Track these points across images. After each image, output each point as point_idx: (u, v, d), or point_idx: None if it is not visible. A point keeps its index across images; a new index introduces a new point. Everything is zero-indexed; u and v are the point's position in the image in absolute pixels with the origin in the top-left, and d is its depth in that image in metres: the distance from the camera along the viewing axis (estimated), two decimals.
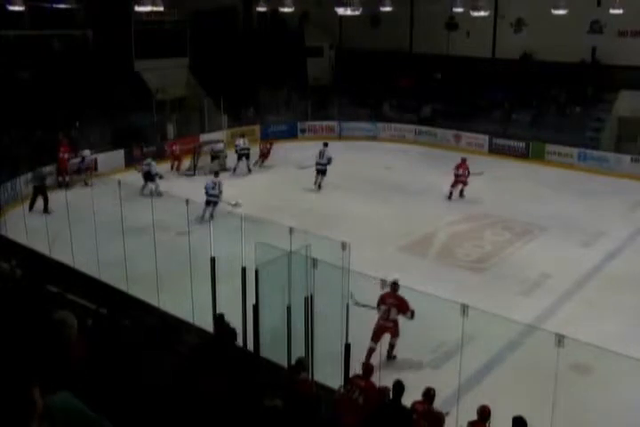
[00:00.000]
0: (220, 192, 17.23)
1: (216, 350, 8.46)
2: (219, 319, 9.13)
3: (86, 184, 18.99)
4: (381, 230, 16.38)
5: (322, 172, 20.33)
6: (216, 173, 18.20)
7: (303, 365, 7.76)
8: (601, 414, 9.18)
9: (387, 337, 10.45)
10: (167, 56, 25.82)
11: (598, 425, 8.98)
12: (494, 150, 25.19)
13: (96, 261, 11.99)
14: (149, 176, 19.22)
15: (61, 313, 4.88)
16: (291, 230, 9.11)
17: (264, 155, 23.34)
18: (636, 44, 24.47)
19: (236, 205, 16.03)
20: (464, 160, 19.54)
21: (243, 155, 22.05)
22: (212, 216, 16.47)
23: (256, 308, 9.18)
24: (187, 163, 22.45)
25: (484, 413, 7.08)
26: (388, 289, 10.20)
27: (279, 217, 14.31)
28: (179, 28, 26.43)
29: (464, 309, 7.54)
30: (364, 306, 10.09)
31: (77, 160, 20.06)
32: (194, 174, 21.83)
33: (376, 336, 10.26)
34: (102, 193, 18.01)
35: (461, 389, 8.22)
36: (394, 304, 10.28)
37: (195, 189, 19.39)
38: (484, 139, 25.55)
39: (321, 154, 20.49)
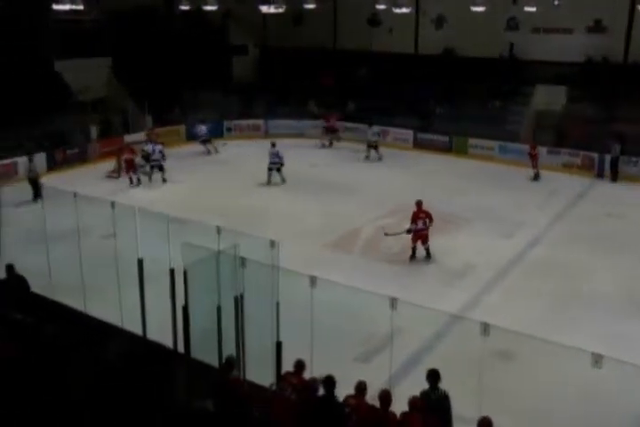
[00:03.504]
0: (281, 158, 20.69)
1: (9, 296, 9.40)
2: (9, 269, 10.29)
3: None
4: (309, 228, 16.48)
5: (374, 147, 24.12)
6: (273, 144, 20.98)
7: (232, 363, 7.72)
8: (525, 398, 9.51)
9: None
10: (88, 56, 25.18)
11: (524, 410, 9.29)
12: (419, 145, 25.66)
13: (20, 269, 11.61)
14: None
15: None
16: (218, 230, 9.06)
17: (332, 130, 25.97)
18: (549, 40, 25.41)
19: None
20: None
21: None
22: (283, 180, 20.63)
23: (185, 309, 9.10)
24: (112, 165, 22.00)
25: (415, 404, 7.21)
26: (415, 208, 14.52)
27: (206, 217, 14.19)
28: (99, 28, 25.83)
29: (392, 302, 7.65)
30: (396, 234, 14.53)
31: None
32: (119, 177, 21.40)
33: (415, 240, 14.51)
34: (20, 198, 17.57)
35: (392, 381, 8.35)
36: (426, 216, 14.43)
37: (119, 191, 19.15)
38: (408, 134, 25.98)
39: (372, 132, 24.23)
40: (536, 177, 21.55)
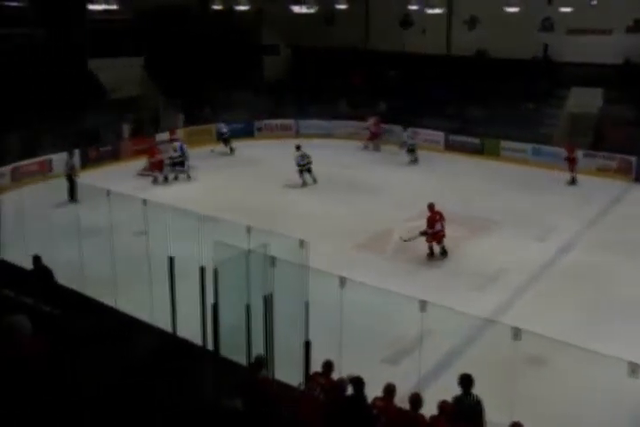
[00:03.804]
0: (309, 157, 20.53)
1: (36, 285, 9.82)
2: (36, 260, 10.63)
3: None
4: (339, 228, 16.42)
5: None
6: (298, 147, 20.74)
7: (262, 362, 7.71)
8: (556, 405, 9.36)
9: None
10: (122, 55, 25.47)
11: (555, 416, 9.15)
12: (450, 147, 25.49)
13: (51, 262, 11.74)
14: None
15: (12, 317, 4.78)
16: (248, 229, 9.07)
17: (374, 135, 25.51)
18: (585, 41, 24.96)
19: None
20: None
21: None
22: (315, 180, 20.55)
23: (215, 307, 9.11)
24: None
25: (445, 408, 7.14)
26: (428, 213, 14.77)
27: (235, 216, 14.21)
28: (133, 27, 26.09)
29: (422, 304, 7.58)
30: (412, 239, 14.72)
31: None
32: (150, 175, 21.57)
33: (431, 240, 14.71)
34: (54, 194, 17.80)
35: (421, 384, 8.27)
36: (441, 218, 14.64)
37: (150, 189, 19.31)
38: (439, 135, 25.80)
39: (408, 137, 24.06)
40: (573, 181, 21.19)
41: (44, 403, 4.41)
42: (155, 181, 20.90)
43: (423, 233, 14.65)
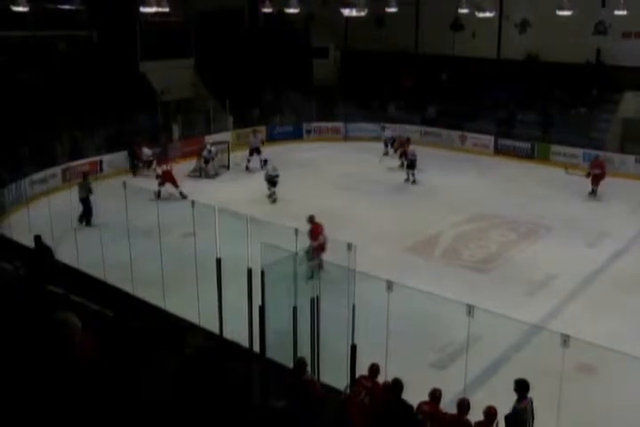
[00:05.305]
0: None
1: (37, 262, 10.43)
2: (37, 239, 11.25)
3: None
4: (387, 231, 16.36)
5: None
6: (266, 161, 20.35)
7: (303, 365, 7.71)
8: (605, 414, 9.17)
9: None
10: (173, 57, 25.87)
11: (603, 425, 8.97)
12: (500, 151, 25.19)
13: (101, 262, 11.99)
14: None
15: (63, 314, 4.89)
16: (296, 231, 9.11)
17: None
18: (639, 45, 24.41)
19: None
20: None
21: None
22: (275, 199, 19.11)
23: (262, 309, 9.17)
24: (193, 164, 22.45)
25: (491, 414, 7.06)
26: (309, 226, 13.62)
27: (284, 219, 14.29)
28: (184, 29, 26.48)
29: (470, 309, 7.52)
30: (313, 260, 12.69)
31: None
32: (200, 176, 21.83)
33: (320, 252, 13.22)
34: (106, 195, 18.13)
35: (467, 389, 8.18)
36: (322, 230, 13.61)
37: (199, 190, 19.50)
38: (489, 139, 25.53)
39: None
40: (593, 192, 19.91)
41: (93, 398, 4.48)
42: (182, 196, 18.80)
43: (310, 250, 13.16)
